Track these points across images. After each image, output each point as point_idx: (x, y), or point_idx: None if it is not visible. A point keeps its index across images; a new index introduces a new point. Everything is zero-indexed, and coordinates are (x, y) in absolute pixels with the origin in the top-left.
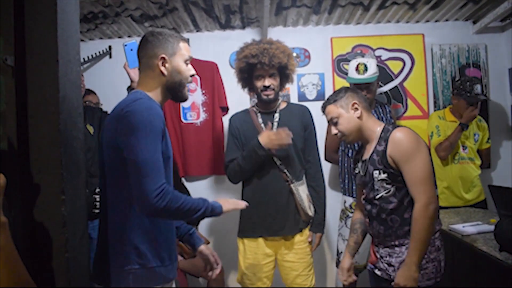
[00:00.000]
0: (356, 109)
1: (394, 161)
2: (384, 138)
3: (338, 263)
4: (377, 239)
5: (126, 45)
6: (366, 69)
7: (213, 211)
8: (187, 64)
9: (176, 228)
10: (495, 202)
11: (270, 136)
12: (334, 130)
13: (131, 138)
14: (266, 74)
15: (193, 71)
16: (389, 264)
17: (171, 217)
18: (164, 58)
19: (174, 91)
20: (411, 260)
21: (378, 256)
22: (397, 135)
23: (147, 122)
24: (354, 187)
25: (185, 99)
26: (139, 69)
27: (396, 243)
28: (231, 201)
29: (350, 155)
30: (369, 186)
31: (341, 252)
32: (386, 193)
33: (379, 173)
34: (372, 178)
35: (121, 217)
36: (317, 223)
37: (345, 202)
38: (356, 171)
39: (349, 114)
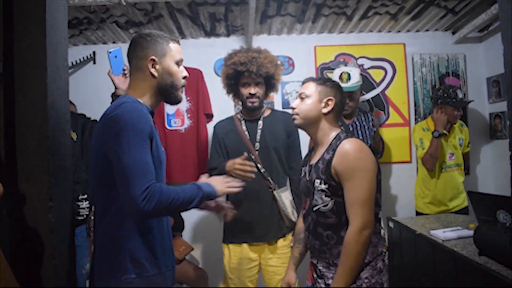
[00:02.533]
0: (327, 105)
1: (337, 174)
2: (333, 146)
3: None
4: (313, 254)
5: (110, 52)
6: (349, 77)
7: (209, 197)
8: (178, 65)
9: None
10: (474, 207)
11: (235, 164)
12: (294, 103)
13: (115, 142)
14: (252, 82)
15: (185, 73)
16: (327, 285)
17: (163, 215)
18: (154, 60)
19: (166, 93)
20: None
21: (315, 275)
22: (346, 146)
23: (131, 124)
24: None
25: (178, 101)
26: (123, 75)
27: (331, 261)
28: (226, 184)
29: None
30: (310, 195)
31: None
32: (324, 206)
33: (320, 183)
34: (313, 187)
35: (114, 225)
36: None
37: None
38: (302, 175)
39: (318, 103)
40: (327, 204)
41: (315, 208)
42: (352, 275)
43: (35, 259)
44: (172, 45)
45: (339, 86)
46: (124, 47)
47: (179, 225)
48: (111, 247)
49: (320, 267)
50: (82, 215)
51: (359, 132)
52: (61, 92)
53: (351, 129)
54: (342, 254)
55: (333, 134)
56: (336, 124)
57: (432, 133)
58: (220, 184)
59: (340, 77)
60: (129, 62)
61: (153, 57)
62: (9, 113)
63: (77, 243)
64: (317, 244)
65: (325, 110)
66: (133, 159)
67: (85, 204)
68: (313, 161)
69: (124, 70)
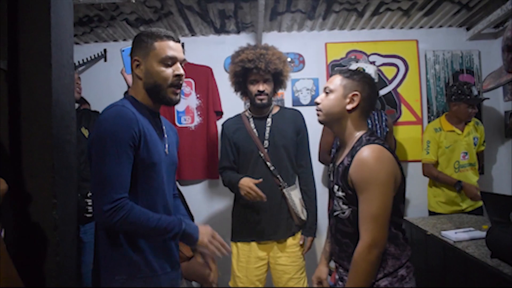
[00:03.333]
0: (353, 100)
1: (353, 183)
2: (353, 151)
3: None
4: (335, 257)
5: (123, 51)
6: None
7: (187, 239)
8: (167, 64)
9: None
10: (486, 208)
11: (249, 188)
12: (319, 98)
13: (93, 148)
14: (261, 79)
15: (178, 71)
16: None
17: (130, 233)
18: (137, 60)
19: (154, 94)
20: None
21: (337, 276)
22: (364, 154)
23: (110, 133)
24: None
25: (169, 103)
26: None
27: (349, 268)
28: (212, 240)
29: None
30: (332, 197)
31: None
32: (342, 213)
33: (338, 189)
34: (333, 191)
35: None
36: (309, 227)
37: None
38: (328, 173)
39: (342, 99)
40: (344, 212)
41: (335, 213)
42: None
43: (39, 256)
44: (158, 44)
45: (369, 79)
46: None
47: None
48: (106, 246)
49: (341, 270)
50: (91, 213)
51: None
52: (66, 90)
53: None
54: (350, 270)
55: (358, 135)
56: (364, 123)
57: (456, 184)
58: (206, 235)
59: None
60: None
61: (136, 57)
62: (14, 110)
63: (86, 240)
64: (337, 249)
65: (349, 107)
66: (106, 170)
67: None
68: (338, 162)
69: None
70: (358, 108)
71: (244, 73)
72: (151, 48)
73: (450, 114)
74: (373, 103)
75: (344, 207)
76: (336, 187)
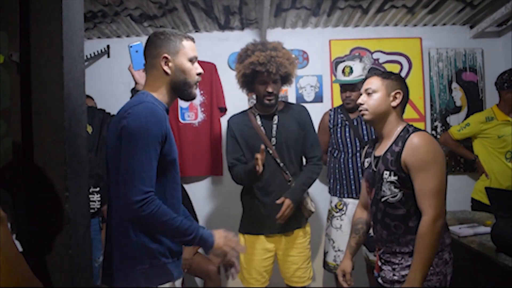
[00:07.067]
0: (396, 98)
1: (407, 167)
2: (402, 138)
3: (324, 264)
4: (380, 243)
5: (131, 46)
6: (351, 71)
7: (204, 243)
8: (192, 62)
9: None
10: (492, 203)
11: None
12: (361, 99)
13: (125, 142)
14: (270, 80)
15: (199, 70)
16: (392, 274)
17: (154, 228)
18: (166, 57)
19: (180, 90)
20: (414, 277)
21: (380, 263)
22: (416, 139)
23: (143, 128)
24: (338, 187)
25: (192, 98)
26: (144, 70)
27: (398, 250)
28: (230, 240)
29: (335, 155)
30: (377, 186)
31: (327, 252)
32: (393, 197)
33: (389, 175)
34: (382, 178)
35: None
36: (293, 190)
37: (331, 202)
38: (366, 165)
39: (386, 97)
40: (396, 195)
41: (383, 199)
42: (428, 264)
43: (51, 250)
44: (186, 43)
45: (402, 78)
46: (138, 40)
47: None
48: (124, 238)
49: (387, 255)
50: (93, 208)
51: (363, 127)
52: (77, 83)
53: (355, 124)
54: (417, 245)
55: (400, 127)
56: (402, 117)
57: (476, 158)
58: (221, 238)
59: (343, 71)
60: (145, 60)
61: (166, 55)
62: (26, 103)
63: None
64: (384, 234)
65: (394, 104)
66: (139, 163)
67: (96, 197)
68: (379, 152)
69: (145, 65)
70: (400, 104)
71: (253, 74)
72: (180, 47)
73: (502, 103)
74: (408, 98)
75: (396, 190)
76: (386, 173)
